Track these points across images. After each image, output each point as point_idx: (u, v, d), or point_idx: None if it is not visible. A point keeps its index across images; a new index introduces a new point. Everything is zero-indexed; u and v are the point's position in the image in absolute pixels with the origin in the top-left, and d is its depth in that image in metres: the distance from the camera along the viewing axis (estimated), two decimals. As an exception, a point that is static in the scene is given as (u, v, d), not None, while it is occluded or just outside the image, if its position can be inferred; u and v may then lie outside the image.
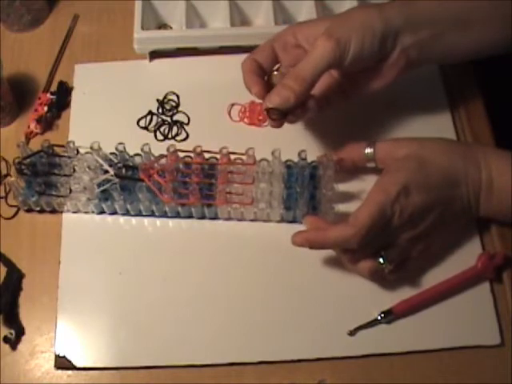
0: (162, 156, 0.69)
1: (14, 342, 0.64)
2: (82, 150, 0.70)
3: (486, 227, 0.68)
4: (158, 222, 0.70)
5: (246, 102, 0.75)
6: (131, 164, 0.69)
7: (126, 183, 0.68)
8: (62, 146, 0.71)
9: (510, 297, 0.65)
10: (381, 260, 0.62)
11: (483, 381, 0.62)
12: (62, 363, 0.63)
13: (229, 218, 0.69)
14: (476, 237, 0.68)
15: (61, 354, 0.63)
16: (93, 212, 0.70)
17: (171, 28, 0.82)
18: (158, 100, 0.77)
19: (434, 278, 0.65)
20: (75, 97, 0.77)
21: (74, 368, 0.63)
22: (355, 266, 0.63)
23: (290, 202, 0.67)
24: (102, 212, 0.70)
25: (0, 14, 0.81)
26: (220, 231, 0.69)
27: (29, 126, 0.75)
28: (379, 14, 0.63)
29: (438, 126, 0.74)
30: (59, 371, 0.63)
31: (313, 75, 0.61)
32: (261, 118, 0.75)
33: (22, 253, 0.69)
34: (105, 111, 0.76)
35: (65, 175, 0.69)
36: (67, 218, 0.70)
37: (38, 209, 0.70)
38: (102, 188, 0.68)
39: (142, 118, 0.76)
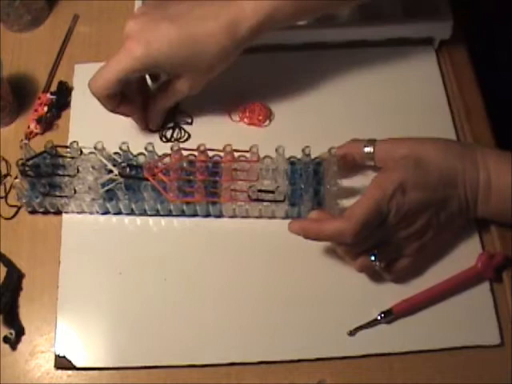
0: (165, 155, 0.69)
1: (14, 342, 0.64)
2: (85, 151, 0.70)
3: (485, 227, 0.68)
4: (163, 221, 0.70)
5: (246, 102, 0.75)
6: (135, 163, 0.69)
7: (131, 182, 0.68)
8: (66, 147, 0.71)
9: (509, 297, 0.65)
10: (372, 257, 0.62)
11: (483, 381, 0.62)
12: (62, 363, 0.63)
13: (234, 216, 0.69)
14: (476, 236, 0.68)
15: (61, 354, 0.63)
16: (97, 212, 0.70)
17: (171, 28, 0.83)
18: (157, 100, 0.77)
19: (433, 278, 0.65)
20: (75, 97, 0.77)
21: (73, 368, 0.63)
22: (349, 258, 0.64)
23: (294, 199, 0.67)
24: (106, 212, 0.70)
25: (0, 14, 0.81)
26: (224, 229, 0.69)
27: (29, 126, 0.75)
28: None
29: (438, 125, 0.74)
30: (59, 371, 0.63)
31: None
32: (260, 117, 0.75)
33: (22, 253, 0.69)
34: (105, 111, 0.76)
35: (69, 176, 0.69)
36: (67, 217, 0.70)
37: (41, 210, 0.70)
38: (106, 188, 0.68)
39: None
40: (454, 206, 0.63)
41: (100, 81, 0.66)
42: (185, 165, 0.69)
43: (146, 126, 0.74)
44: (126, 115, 0.72)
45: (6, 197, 0.71)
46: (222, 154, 0.69)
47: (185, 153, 0.69)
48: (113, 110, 0.70)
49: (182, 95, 0.71)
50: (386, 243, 0.63)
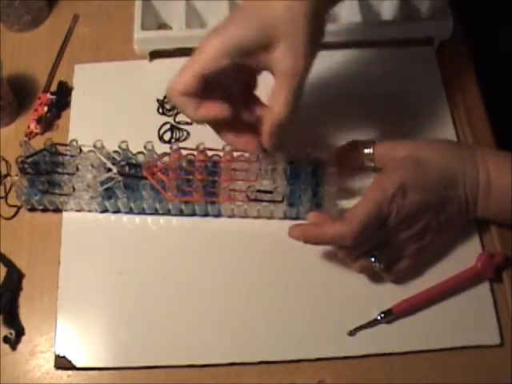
0: (165, 154, 0.69)
1: (14, 342, 0.64)
2: (84, 149, 0.70)
3: (485, 227, 0.68)
4: (161, 220, 0.70)
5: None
6: (134, 162, 0.69)
7: (130, 181, 0.68)
8: (65, 145, 0.71)
9: (509, 297, 0.65)
10: (372, 258, 0.62)
11: (483, 381, 0.62)
12: (62, 363, 0.63)
13: (232, 216, 0.69)
14: (476, 236, 0.68)
15: (61, 354, 0.63)
16: (96, 210, 0.70)
17: (171, 28, 0.82)
18: (158, 100, 0.77)
19: (434, 277, 0.65)
20: (75, 97, 0.77)
21: (73, 368, 0.63)
22: (349, 260, 0.64)
23: (293, 199, 0.67)
24: (104, 210, 0.70)
25: (0, 14, 0.81)
26: (223, 229, 0.69)
27: (29, 126, 0.75)
28: None
29: (438, 126, 0.74)
30: (59, 371, 0.63)
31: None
32: (261, 118, 0.74)
33: (22, 253, 0.69)
34: (105, 111, 0.76)
35: (68, 174, 0.69)
36: (67, 217, 0.70)
37: (40, 208, 0.70)
38: (105, 186, 0.68)
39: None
40: (454, 207, 0.63)
41: (178, 79, 0.59)
42: (184, 164, 0.69)
43: (261, 147, 0.63)
44: (216, 125, 0.63)
45: (5, 197, 0.71)
46: (221, 153, 0.69)
47: (184, 152, 0.69)
48: (194, 117, 0.60)
49: (296, 75, 0.58)
50: (385, 245, 0.63)
